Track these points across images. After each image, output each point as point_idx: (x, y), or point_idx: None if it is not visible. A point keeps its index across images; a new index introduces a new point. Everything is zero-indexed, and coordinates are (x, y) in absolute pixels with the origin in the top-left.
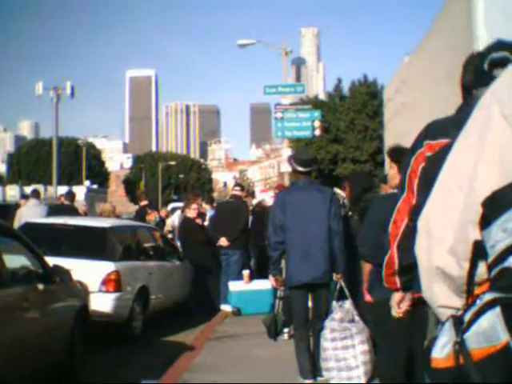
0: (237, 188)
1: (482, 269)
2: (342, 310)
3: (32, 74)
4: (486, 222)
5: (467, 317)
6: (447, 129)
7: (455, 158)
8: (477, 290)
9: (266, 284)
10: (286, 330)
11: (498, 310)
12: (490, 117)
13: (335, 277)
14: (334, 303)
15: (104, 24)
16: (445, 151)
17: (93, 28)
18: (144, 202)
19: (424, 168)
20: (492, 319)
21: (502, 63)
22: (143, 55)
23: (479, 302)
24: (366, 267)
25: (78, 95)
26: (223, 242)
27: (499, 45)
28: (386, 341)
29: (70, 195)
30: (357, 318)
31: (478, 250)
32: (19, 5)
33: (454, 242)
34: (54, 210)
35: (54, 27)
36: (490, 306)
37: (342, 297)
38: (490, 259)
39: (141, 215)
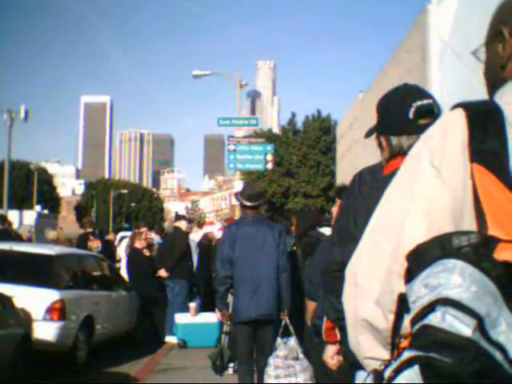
0: (176, 219)
1: (407, 322)
2: (287, 347)
3: None
4: (409, 276)
5: (387, 373)
6: (366, 178)
7: (384, 207)
8: (403, 343)
9: (212, 317)
10: (231, 364)
11: (416, 368)
12: (420, 166)
13: (281, 314)
14: (279, 340)
15: (60, 48)
16: (347, 200)
17: (48, 52)
18: (88, 230)
19: (337, 215)
20: (410, 378)
21: (427, 111)
22: (99, 82)
23: (397, 360)
24: (310, 305)
25: (31, 119)
26: (162, 273)
27: (422, 93)
28: (329, 379)
29: (1, 218)
30: (301, 355)
31: (403, 303)
32: None
33: (380, 293)
34: None
35: (9, 49)
36: (408, 364)
37: (286, 333)
38: (412, 315)
39: (82, 242)
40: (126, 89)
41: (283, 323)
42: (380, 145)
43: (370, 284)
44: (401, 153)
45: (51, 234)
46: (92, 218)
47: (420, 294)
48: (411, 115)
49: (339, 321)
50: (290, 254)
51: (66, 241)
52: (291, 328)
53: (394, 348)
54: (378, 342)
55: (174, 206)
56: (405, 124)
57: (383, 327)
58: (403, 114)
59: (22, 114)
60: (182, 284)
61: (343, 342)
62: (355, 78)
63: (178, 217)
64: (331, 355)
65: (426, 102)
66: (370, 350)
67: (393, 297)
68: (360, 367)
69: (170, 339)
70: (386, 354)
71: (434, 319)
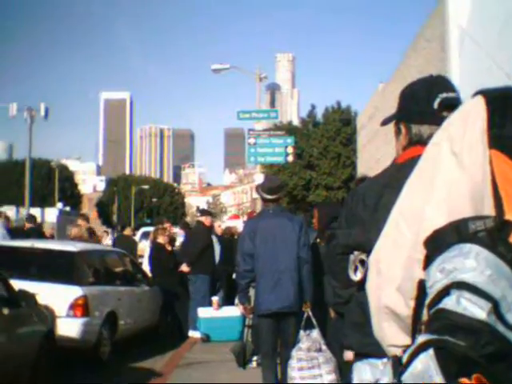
0: (198, 214)
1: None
2: (309, 339)
3: (6, 94)
4: (427, 261)
5: (404, 358)
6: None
7: (406, 194)
8: (423, 330)
9: (235, 311)
10: (254, 358)
11: (431, 351)
12: (440, 154)
13: (304, 306)
14: (302, 332)
15: (79, 45)
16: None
17: (67, 49)
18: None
19: (345, 200)
20: (425, 361)
21: (451, 105)
22: (118, 77)
23: (414, 344)
24: None
25: (51, 116)
26: (184, 267)
27: (449, 85)
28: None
29: (31, 218)
30: (324, 347)
31: (423, 289)
32: None
33: (402, 280)
34: (15, 232)
35: (29, 48)
36: (423, 348)
37: (309, 326)
38: (428, 299)
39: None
40: (145, 84)
41: (305, 315)
42: (398, 132)
43: (392, 271)
44: (419, 142)
45: (74, 230)
46: (87, 215)
47: (436, 278)
48: (436, 105)
49: (337, 306)
50: (312, 247)
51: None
52: (314, 320)
53: (416, 334)
54: (401, 329)
55: (195, 201)
56: (428, 113)
57: (405, 314)
58: (428, 104)
59: (42, 112)
60: (202, 279)
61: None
62: (375, 68)
63: (201, 211)
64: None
65: (451, 95)
66: (394, 337)
67: (413, 283)
68: (360, 357)
69: (193, 334)
70: (408, 341)
71: (449, 303)
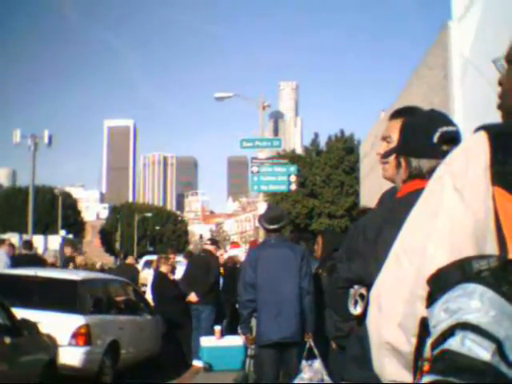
0: (208, 242)
1: (429, 346)
2: (311, 370)
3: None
4: (430, 300)
5: None
6: (385, 199)
7: (407, 229)
8: (426, 367)
9: (237, 340)
10: None
11: None
12: (443, 189)
13: (306, 336)
14: (304, 362)
15: (82, 73)
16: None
17: (71, 76)
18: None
19: (346, 234)
20: None
21: (451, 139)
22: (121, 105)
23: None
24: None
25: (55, 143)
26: (193, 297)
27: (448, 119)
28: None
29: (28, 244)
30: (326, 377)
31: (425, 327)
32: None
33: (404, 317)
34: (18, 260)
35: (33, 75)
36: None
37: (311, 356)
38: (432, 339)
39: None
40: (148, 112)
41: (307, 346)
42: (398, 165)
43: (394, 307)
44: (419, 175)
45: (79, 258)
46: (70, 240)
47: (440, 318)
48: (435, 139)
49: (338, 339)
50: (314, 277)
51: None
52: (316, 350)
53: (417, 371)
54: (402, 365)
55: (198, 229)
56: (428, 147)
57: (406, 350)
58: (428, 138)
59: (46, 139)
60: (211, 309)
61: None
62: (377, 96)
63: (212, 241)
64: None
65: (451, 128)
66: (394, 373)
67: (416, 320)
68: None
69: (196, 363)
70: (409, 378)
71: (453, 344)
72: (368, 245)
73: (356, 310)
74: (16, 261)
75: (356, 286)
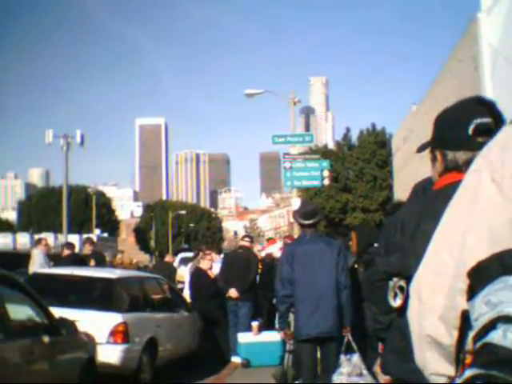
0: (246, 239)
1: (470, 338)
2: (350, 364)
3: (42, 121)
4: (471, 292)
5: None
6: (418, 192)
7: (446, 222)
8: (468, 359)
9: (275, 336)
10: (295, 383)
11: None
12: (480, 182)
13: (344, 331)
14: (342, 357)
15: (113, 71)
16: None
17: (102, 75)
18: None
19: (384, 227)
20: None
21: (486, 130)
22: (153, 104)
23: (461, 377)
24: None
25: (87, 143)
26: (233, 293)
27: (483, 110)
28: None
29: (70, 245)
30: (365, 371)
31: (467, 319)
32: (28, 53)
33: (444, 309)
34: (62, 261)
35: (64, 75)
36: (471, 382)
37: (349, 350)
38: (474, 332)
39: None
40: (179, 110)
41: (345, 340)
42: (434, 159)
43: (434, 300)
44: (455, 168)
45: (117, 257)
46: (90, 238)
47: (481, 311)
48: (470, 131)
49: (378, 331)
50: (350, 271)
51: (130, 264)
52: (354, 344)
53: (459, 364)
54: (444, 357)
55: (232, 226)
56: (463, 140)
57: (448, 343)
58: (462, 130)
59: (78, 139)
60: (250, 305)
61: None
62: (408, 89)
63: (248, 237)
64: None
65: (486, 120)
66: (436, 366)
67: (456, 313)
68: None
69: (234, 359)
70: (451, 370)
71: (495, 337)
72: (406, 238)
73: (396, 303)
74: (61, 262)
75: (395, 279)
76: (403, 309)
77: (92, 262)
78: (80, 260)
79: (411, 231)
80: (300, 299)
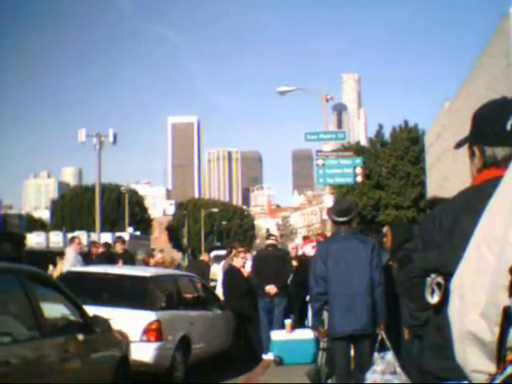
0: (273, 237)
1: None
2: (384, 362)
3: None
4: None
5: None
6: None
7: (487, 219)
8: (510, 356)
9: (308, 333)
10: (329, 381)
11: None
12: None
13: (377, 328)
14: (376, 354)
15: (144, 70)
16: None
17: (135, 74)
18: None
19: (421, 223)
20: None
21: None
22: (185, 102)
23: (502, 374)
24: None
25: (120, 141)
26: (272, 289)
27: None
28: None
29: (106, 245)
30: (399, 369)
31: (508, 316)
32: (62, 53)
33: (486, 306)
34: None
35: (97, 74)
36: None
37: (383, 348)
38: None
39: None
40: (212, 108)
41: (379, 338)
42: (472, 155)
43: (475, 297)
44: (494, 163)
45: (156, 257)
46: (121, 237)
47: None
48: (509, 127)
49: (415, 327)
50: (384, 268)
51: (171, 263)
52: (388, 342)
53: (501, 361)
54: (485, 354)
55: (264, 223)
56: (501, 135)
57: (489, 340)
58: (501, 125)
59: (111, 138)
60: (286, 302)
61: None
62: (441, 84)
63: (275, 236)
64: None
65: None
66: (477, 363)
67: (498, 309)
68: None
69: (267, 356)
70: (492, 368)
71: None
72: (444, 234)
73: (433, 299)
74: (94, 260)
75: (432, 275)
76: (440, 306)
77: (120, 262)
78: (113, 258)
79: (449, 227)
80: (334, 297)
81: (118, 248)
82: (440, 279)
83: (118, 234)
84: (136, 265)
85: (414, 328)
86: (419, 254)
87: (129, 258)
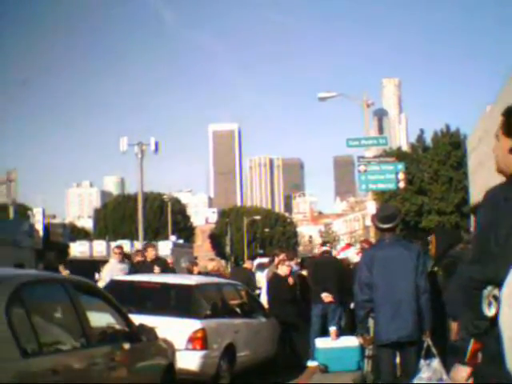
0: (329, 245)
1: None
2: (430, 369)
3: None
4: None
5: None
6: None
7: None
8: None
9: (352, 341)
10: None
11: None
12: None
13: (423, 335)
14: (422, 362)
15: (184, 78)
16: (487, 217)
17: (175, 83)
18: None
19: (476, 232)
20: None
21: None
22: (225, 109)
23: None
24: (454, 326)
25: (161, 150)
26: (327, 297)
27: None
28: None
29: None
30: (445, 376)
31: None
32: (102, 63)
33: None
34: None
35: (138, 83)
36: None
37: (429, 355)
38: None
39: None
40: (252, 115)
41: (425, 344)
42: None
43: None
44: None
45: (210, 265)
46: (152, 243)
47: None
48: None
49: (476, 337)
50: (429, 275)
51: (225, 271)
52: (434, 349)
53: None
54: None
55: (307, 230)
56: None
57: None
58: None
59: (153, 146)
60: (340, 309)
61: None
62: (482, 88)
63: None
64: (467, 376)
65: None
66: None
67: None
68: None
69: (310, 364)
70: None
71: None
72: (498, 246)
73: (490, 312)
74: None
75: (489, 287)
76: (497, 319)
77: (156, 269)
78: (164, 263)
79: (503, 239)
80: (379, 304)
81: (151, 254)
82: (496, 291)
83: (161, 242)
84: (177, 272)
85: (475, 336)
86: (476, 267)
87: (162, 265)
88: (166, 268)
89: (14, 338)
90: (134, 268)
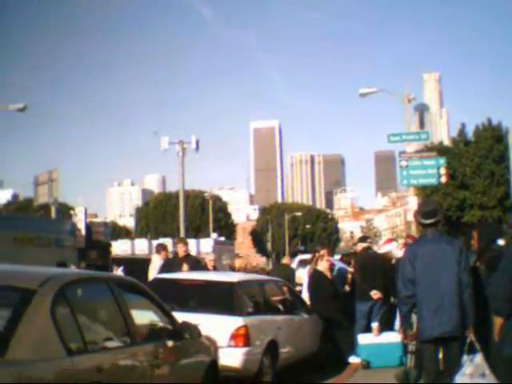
0: (370, 240)
1: None
2: (473, 365)
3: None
4: None
5: None
6: None
7: None
8: None
9: (395, 337)
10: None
11: None
12: None
13: (466, 331)
14: (465, 357)
15: (224, 76)
16: None
17: (216, 81)
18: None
19: None
20: None
21: None
22: (266, 106)
23: None
24: (498, 321)
25: (202, 148)
26: (376, 294)
27: None
28: None
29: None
30: (488, 372)
31: None
32: (141, 62)
33: None
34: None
35: (179, 81)
36: None
37: (472, 350)
38: None
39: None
40: (293, 112)
41: (468, 340)
42: None
43: None
44: None
45: (237, 262)
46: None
47: None
48: None
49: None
50: (472, 270)
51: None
52: (477, 345)
53: None
54: None
55: (348, 226)
56: None
57: None
58: None
59: (194, 145)
60: (385, 307)
61: None
62: None
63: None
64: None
65: None
66: None
67: None
68: None
69: (352, 360)
70: None
71: None
72: None
73: None
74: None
75: None
76: None
77: (185, 267)
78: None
79: None
80: (423, 300)
81: (181, 251)
82: None
83: (203, 239)
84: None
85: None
86: None
87: (192, 262)
88: (196, 265)
89: (60, 336)
90: (166, 265)
